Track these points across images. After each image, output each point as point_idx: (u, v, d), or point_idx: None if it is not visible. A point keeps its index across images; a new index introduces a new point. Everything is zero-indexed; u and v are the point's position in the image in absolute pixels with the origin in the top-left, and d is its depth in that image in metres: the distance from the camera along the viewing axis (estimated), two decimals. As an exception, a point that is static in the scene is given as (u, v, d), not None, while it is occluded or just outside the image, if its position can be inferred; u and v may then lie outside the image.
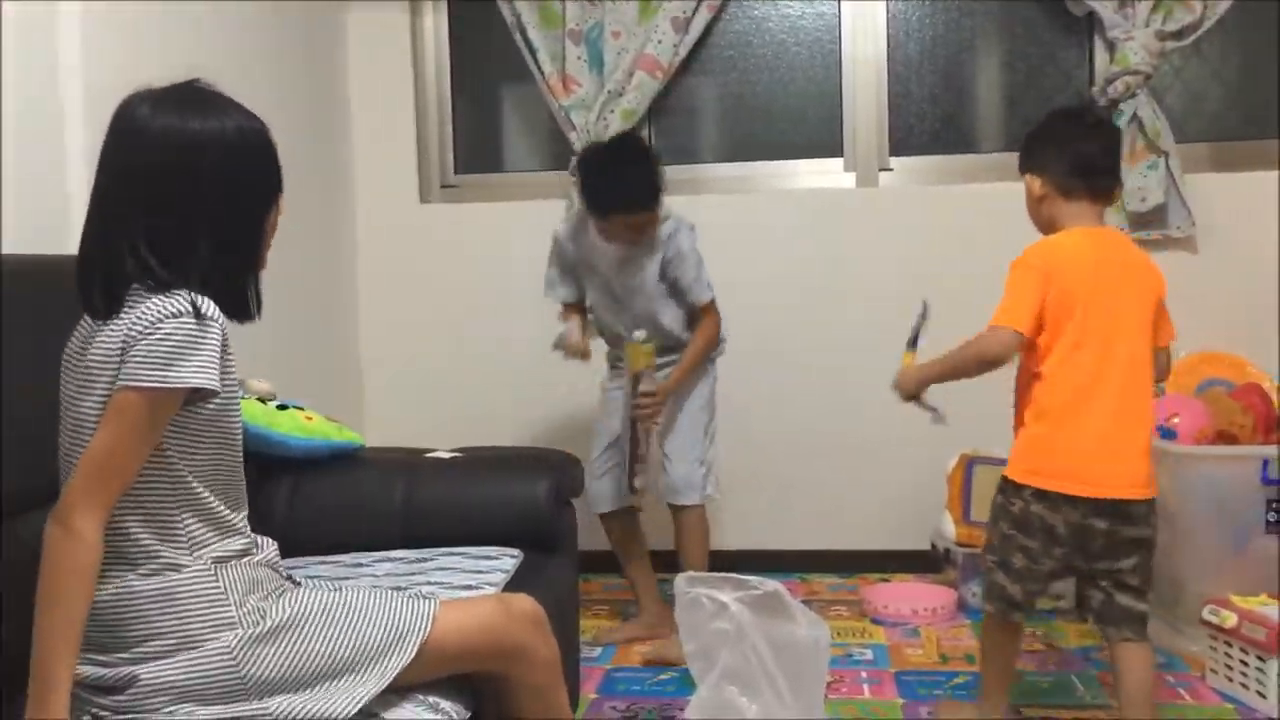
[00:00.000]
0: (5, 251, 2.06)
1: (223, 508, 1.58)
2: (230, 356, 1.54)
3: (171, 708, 1.49)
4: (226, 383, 1.54)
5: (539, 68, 3.81)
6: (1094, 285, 2.32)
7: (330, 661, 1.56)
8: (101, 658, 1.51)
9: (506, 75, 4.04)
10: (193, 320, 1.46)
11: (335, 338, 3.84)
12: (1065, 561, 2.34)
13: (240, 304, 1.60)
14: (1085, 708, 2.71)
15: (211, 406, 1.54)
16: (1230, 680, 2.74)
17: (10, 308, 1.81)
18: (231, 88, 1.61)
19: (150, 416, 1.46)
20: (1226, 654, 2.75)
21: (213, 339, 1.48)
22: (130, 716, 1.50)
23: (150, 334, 1.45)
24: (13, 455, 1.76)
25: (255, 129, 1.59)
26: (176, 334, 1.45)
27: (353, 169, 3.98)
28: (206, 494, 1.56)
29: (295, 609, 1.58)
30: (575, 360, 3.19)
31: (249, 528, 1.66)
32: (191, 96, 1.56)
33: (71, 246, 2.32)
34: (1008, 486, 2.39)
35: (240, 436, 1.64)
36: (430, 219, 4.02)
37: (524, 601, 1.78)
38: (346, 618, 1.59)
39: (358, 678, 1.57)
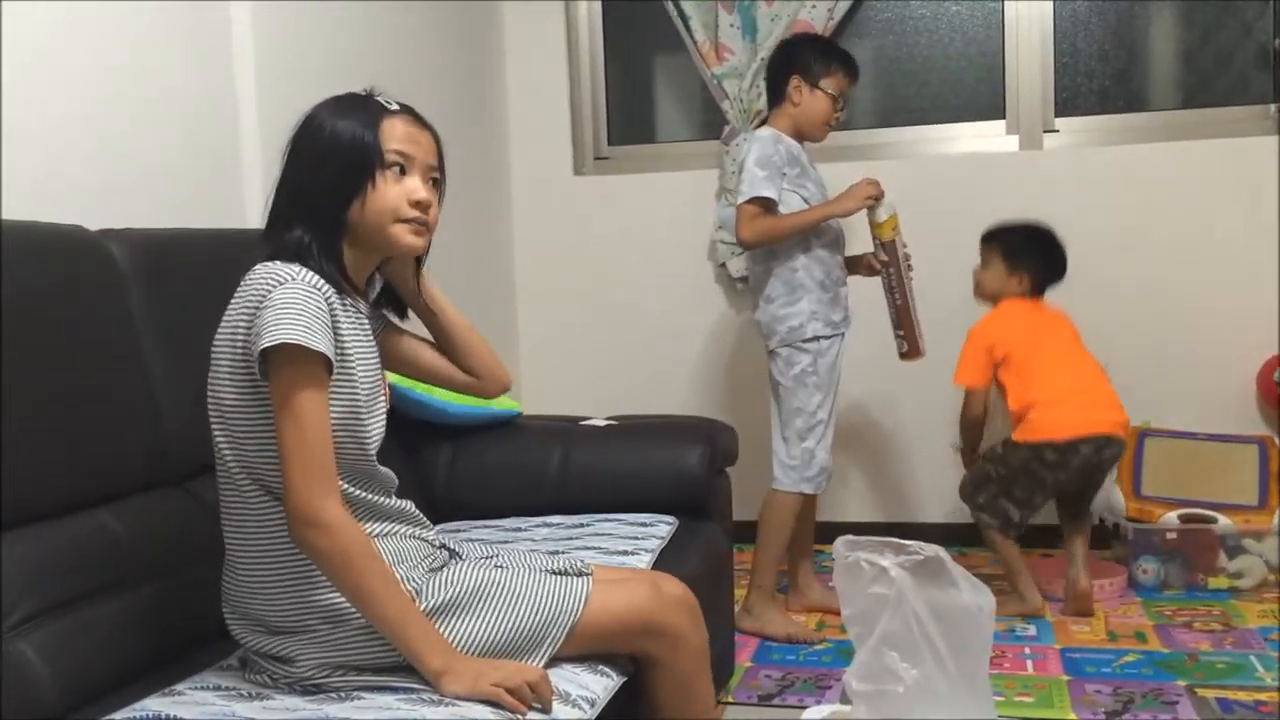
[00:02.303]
0: (185, 225, 2.17)
1: (352, 487, 1.60)
2: (345, 336, 1.57)
3: (337, 677, 1.55)
4: (345, 361, 1.57)
5: (691, 36, 3.79)
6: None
7: (485, 645, 1.58)
8: (261, 629, 1.58)
9: (659, 45, 4.04)
10: (292, 286, 1.51)
11: (493, 308, 3.91)
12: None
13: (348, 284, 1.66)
14: (1264, 689, 2.59)
15: (336, 385, 1.56)
16: None
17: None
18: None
19: (306, 386, 1.48)
20: None
21: (312, 302, 1.51)
22: (298, 684, 1.56)
23: (262, 306, 1.50)
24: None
25: (346, 129, 1.60)
26: (280, 299, 1.50)
27: (508, 142, 4.05)
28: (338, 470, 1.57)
29: (452, 591, 1.60)
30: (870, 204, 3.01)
31: (389, 503, 1.68)
32: (345, 99, 1.65)
33: (250, 221, 2.44)
34: None
35: (362, 415, 1.63)
36: (584, 191, 4.06)
37: (675, 585, 1.78)
38: (502, 602, 1.61)
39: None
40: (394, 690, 1.52)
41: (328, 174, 1.60)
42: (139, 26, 2.21)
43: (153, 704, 1.51)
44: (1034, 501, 3.15)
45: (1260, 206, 3.50)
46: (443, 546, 1.74)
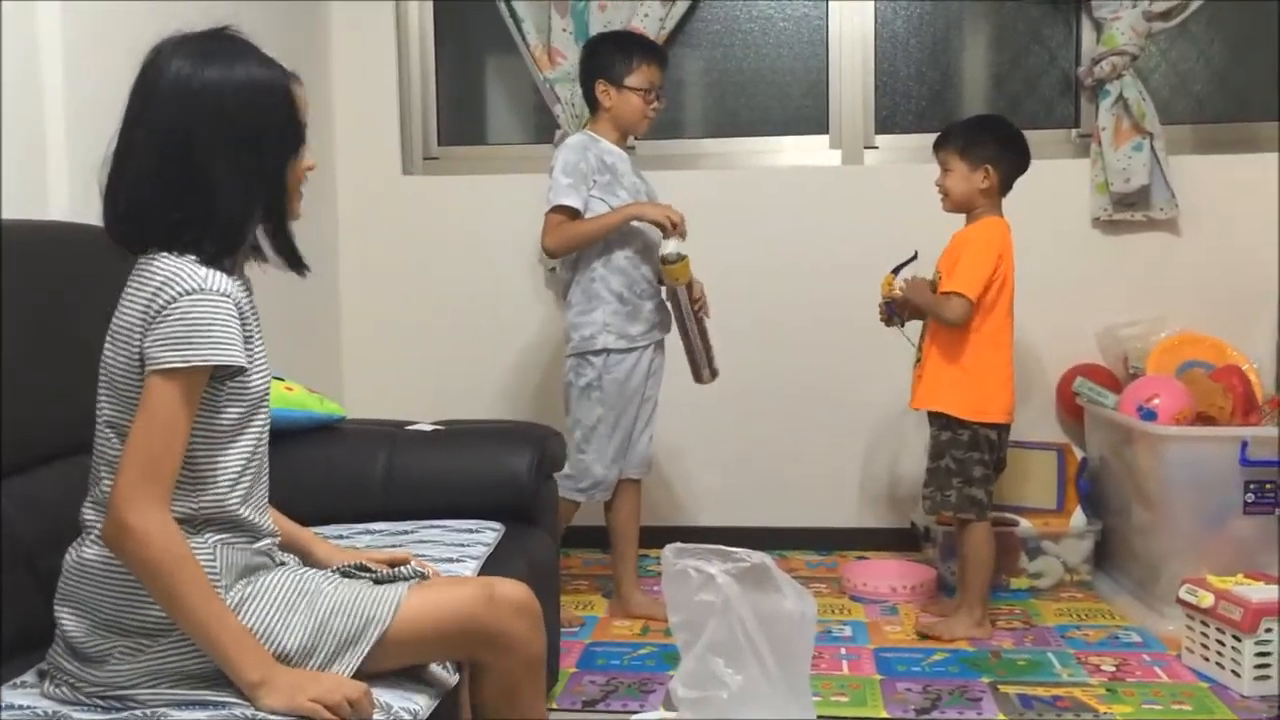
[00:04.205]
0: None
1: (237, 492, 1.55)
2: (248, 329, 1.53)
3: (146, 687, 1.48)
4: (248, 358, 1.53)
5: (524, 39, 3.77)
6: None
7: (285, 646, 1.52)
8: (89, 618, 1.50)
9: (491, 46, 4.01)
10: (204, 297, 1.45)
11: (315, 309, 3.80)
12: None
13: (288, 258, 1.64)
14: (1062, 684, 2.73)
15: (234, 384, 1.52)
16: (1206, 659, 2.75)
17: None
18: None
19: (180, 397, 1.44)
20: (1203, 633, 2.76)
21: (226, 313, 1.47)
22: (103, 691, 1.49)
23: (168, 314, 1.44)
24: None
25: (271, 79, 1.55)
26: (192, 312, 1.44)
27: (334, 139, 3.93)
28: (223, 476, 1.53)
29: (255, 588, 1.55)
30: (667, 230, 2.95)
31: (263, 518, 1.62)
32: (213, 44, 1.54)
33: (50, 213, 2.30)
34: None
35: (267, 416, 1.61)
36: (412, 191, 3.98)
37: (514, 589, 1.70)
38: (306, 602, 1.55)
39: (316, 666, 1.53)
40: (205, 705, 1.46)
41: (272, 134, 1.54)
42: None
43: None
44: (990, 477, 3.05)
45: (1061, 226, 3.70)
46: (282, 563, 1.67)
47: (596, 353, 3.03)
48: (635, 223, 3.02)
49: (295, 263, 1.65)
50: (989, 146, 2.99)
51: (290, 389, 2.52)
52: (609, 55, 3.05)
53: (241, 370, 1.51)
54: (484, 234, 3.90)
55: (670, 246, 2.95)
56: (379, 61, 3.94)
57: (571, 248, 3.03)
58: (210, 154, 1.49)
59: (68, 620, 1.52)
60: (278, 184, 1.58)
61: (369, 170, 3.96)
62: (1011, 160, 3.01)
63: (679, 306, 3.05)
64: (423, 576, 1.73)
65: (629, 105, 3.04)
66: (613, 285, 3.03)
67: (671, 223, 2.94)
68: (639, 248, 3.06)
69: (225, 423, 1.53)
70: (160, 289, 1.46)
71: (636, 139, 3.19)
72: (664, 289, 3.09)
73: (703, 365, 3.12)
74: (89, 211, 2.13)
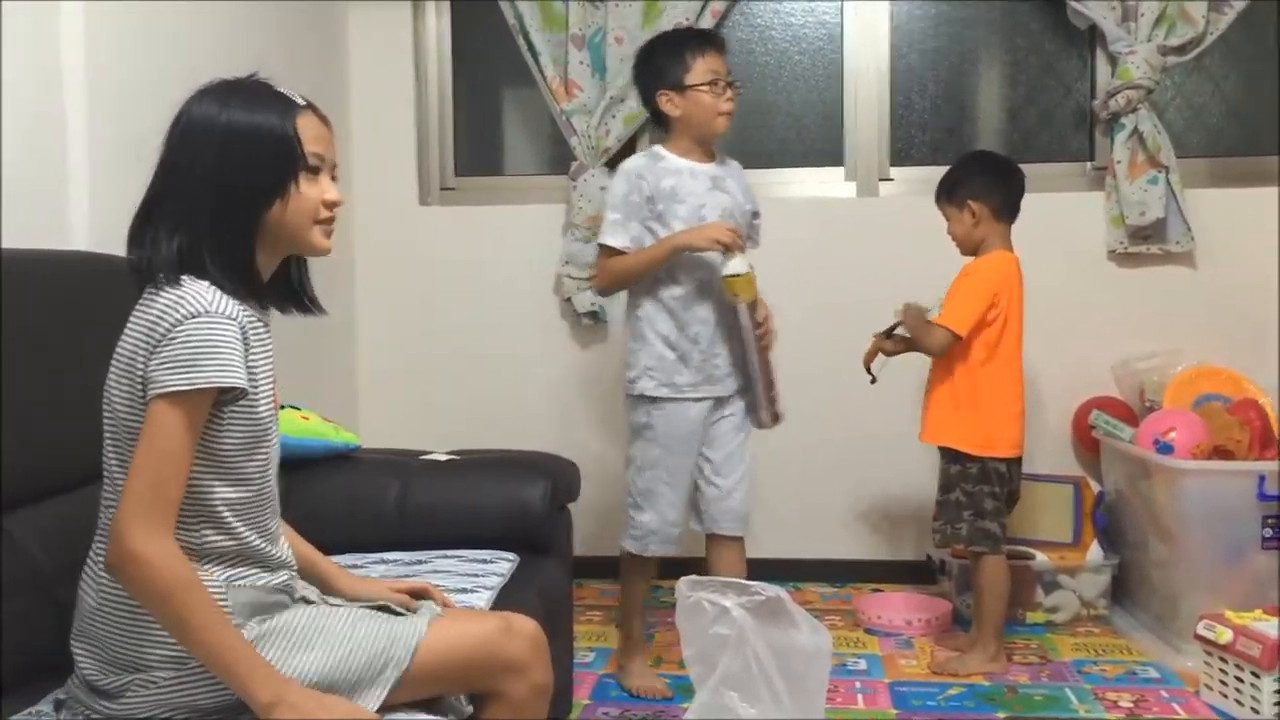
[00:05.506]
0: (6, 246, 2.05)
1: (243, 524, 1.54)
2: (254, 357, 1.52)
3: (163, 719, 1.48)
4: (253, 384, 1.52)
5: (541, 71, 3.80)
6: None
7: (315, 682, 1.51)
8: (101, 655, 1.50)
9: (508, 78, 4.04)
10: (209, 320, 1.45)
11: (332, 339, 3.82)
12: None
13: (289, 297, 1.68)
14: (1079, 721, 2.71)
15: (237, 409, 1.51)
16: (1225, 696, 2.73)
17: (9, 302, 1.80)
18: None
19: (183, 421, 1.43)
20: (1221, 669, 2.74)
21: (231, 335, 1.46)
22: None
23: (173, 337, 1.43)
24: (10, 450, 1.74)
25: (255, 124, 1.54)
26: (196, 334, 1.44)
27: (351, 170, 3.96)
28: (226, 508, 1.52)
29: (270, 625, 1.54)
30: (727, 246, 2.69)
31: (275, 548, 1.61)
32: (220, 90, 1.56)
33: (73, 243, 2.32)
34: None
35: (274, 447, 1.61)
36: (429, 221, 4.01)
37: (527, 623, 1.73)
38: (323, 639, 1.55)
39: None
40: (218, 738, 1.46)
41: (247, 174, 1.53)
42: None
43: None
44: (1002, 510, 3.02)
45: (1076, 258, 3.70)
46: (303, 598, 1.67)
47: (640, 397, 2.83)
48: (691, 255, 2.75)
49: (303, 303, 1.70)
50: (967, 184, 3.01)
51: (306, 418, 2.53)
52: (661, 61, 2.78)
53: (243, 394, 1.49)
54: (500, 264, 3.92)
55: (731, 265, 2.70)
56: (397, 93, 3.98)
57: (619, 285, 2.85)
58: (204, 195, 1.51)
59: (82, 656, 1.52)
60: (249, 226, 1.55)
61: (386, 201, 3.98)
62: (996, 188, 3.00)
63: (740, 328, 2.77)
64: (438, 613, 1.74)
65: (698, 106, 2.75)
66: (659, 326, 2.79)
67: (723, 245, 2.68)
68: (695, 285, 2.78)
69: (227, 449, 1.51)
70: (163, 314, 1.45)
71: (718, 140, 2.87)
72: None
73: (761, 405, 2.83)
74: (105, 242, 2.16)
